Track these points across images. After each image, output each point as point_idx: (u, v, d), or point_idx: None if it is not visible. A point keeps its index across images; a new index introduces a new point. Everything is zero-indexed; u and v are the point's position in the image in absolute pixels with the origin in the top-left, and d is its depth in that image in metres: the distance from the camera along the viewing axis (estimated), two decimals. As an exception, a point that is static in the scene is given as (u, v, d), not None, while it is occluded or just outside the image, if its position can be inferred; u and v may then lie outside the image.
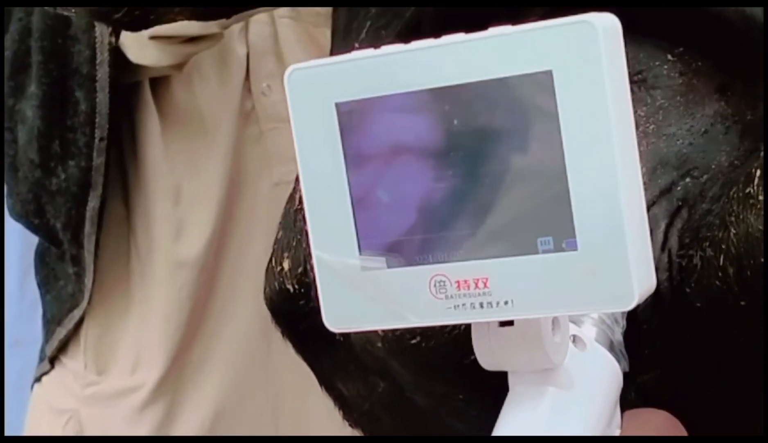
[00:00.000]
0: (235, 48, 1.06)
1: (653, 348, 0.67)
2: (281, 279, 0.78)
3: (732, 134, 0.70)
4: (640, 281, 0.51)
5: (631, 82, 0.71)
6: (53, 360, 1.08)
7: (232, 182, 1.04)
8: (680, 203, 0.68)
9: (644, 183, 0.71)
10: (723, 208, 0.64)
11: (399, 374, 0.83)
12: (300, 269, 0.78)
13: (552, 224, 0.52)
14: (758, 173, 0.64)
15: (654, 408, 0.64)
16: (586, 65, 0.50)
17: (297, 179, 0.83)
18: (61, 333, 1.06)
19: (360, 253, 0.55)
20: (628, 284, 0.51)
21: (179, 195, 1.04)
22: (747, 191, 0.63)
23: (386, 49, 0.54)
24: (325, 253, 0.56)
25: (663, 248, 0.67)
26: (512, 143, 0.52)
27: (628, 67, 0.52)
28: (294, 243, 0.79)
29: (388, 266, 0.55)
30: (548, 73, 0.51)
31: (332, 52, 0.82)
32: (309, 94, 0.55)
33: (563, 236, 0.52)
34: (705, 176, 0.68)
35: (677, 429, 0.63)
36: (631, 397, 0.65)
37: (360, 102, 0.54)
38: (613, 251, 0.51)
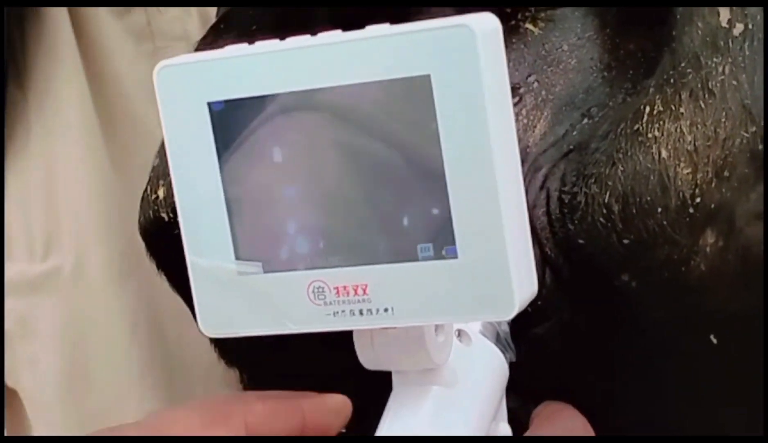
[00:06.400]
0: None
1: (543, 299, 0.66)
2: (156, 207, 0.75)
3: (636, 73, 0.69)
4: (521, 288, 0.50)
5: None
6: None
7: (114, 105, 0.98)
8: (571, 148, 0.67)
9: (543, 133, 0.71)
10: (611, 144, 0.64)
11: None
12: None
13: (432, 231, 0.51)
14: (647, 110, 0.63)
15: (569, 408, 0.64)
16: (464, 70, 0.48)
17: None
18: None
19: (236, 257, 0.53)
20: (508, 293, 0.50)
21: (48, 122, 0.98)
22: (635, 128, 0.63)
23: (260, 46, 0.52)
24: (199, 258, 0.54)
25: (541, 188, 0.66)
26: (391, 148, 0.50)
27: None
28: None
29: (265, 271, 0.53)
30: (426, 78, 0.49)
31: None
32: (180, 92, 0.53)
33: (443, 244, 0.51)
34: (600, 114, 0.68)
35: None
36: (522, 353, 0.65)
37: (233, 102, 0.52)
38: (493, 258, 0.50)
